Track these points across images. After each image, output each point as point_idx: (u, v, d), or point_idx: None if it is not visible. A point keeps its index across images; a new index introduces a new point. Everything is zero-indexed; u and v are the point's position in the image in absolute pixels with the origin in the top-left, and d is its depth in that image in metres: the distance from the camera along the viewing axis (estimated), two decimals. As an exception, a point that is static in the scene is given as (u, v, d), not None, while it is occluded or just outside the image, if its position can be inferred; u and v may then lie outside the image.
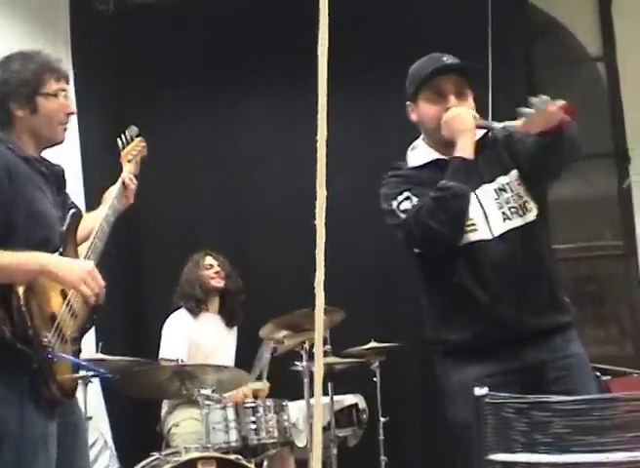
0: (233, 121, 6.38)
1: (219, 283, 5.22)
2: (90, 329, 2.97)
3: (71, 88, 5.53)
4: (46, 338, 2.64)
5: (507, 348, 2.78)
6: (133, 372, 4.28)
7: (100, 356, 4.31)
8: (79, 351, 2.91)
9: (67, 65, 5.70)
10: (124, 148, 3.49)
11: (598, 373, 5.68)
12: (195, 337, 5.01)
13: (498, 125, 2.88)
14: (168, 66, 6.34)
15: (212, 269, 5.25)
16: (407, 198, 2.82)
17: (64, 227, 2.86)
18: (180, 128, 6.35)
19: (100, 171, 5.48)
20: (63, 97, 2.89)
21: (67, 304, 2.79)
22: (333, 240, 5.89)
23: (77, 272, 2.70)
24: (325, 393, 4.79)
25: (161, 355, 4.91)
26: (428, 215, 2.74)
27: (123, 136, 3.50)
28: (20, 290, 2.62)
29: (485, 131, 2.97)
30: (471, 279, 2.80)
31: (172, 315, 5.12)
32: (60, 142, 2.95)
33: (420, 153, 3.01)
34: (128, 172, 3.40)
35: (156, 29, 6.39)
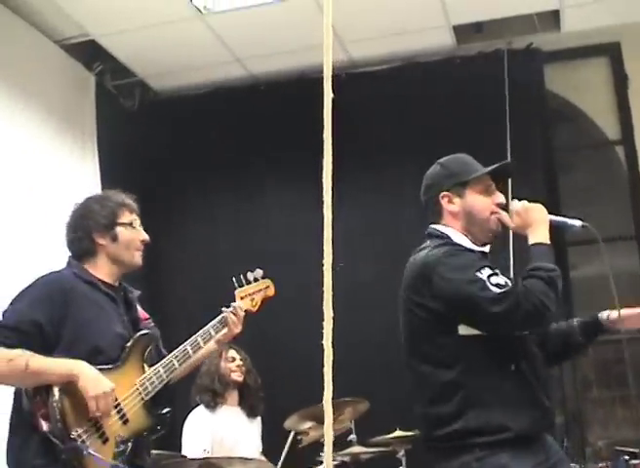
0: (258, 216, 6.50)
1: (239, 377, 5.22)
2: (149, 437, 3.24)
3: (98, 183, 5.74)
4: (75, 432, 2.91)
5: (544, 439, 2.84)
6: (160, 466, 4.27)
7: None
8: (123, 453, 3.07)
9: (94, 160, 5.87)
10: (241, 287, 3.76)
11: (627, 457, 5.63)
12: (217, 432, 5.00)
13: (570, 222, 3.19)
14: (192, 159, 6.48)
15: (234, 362, 5.26)
16: (495, 274, 2.82)
17: (129, 343, 3.19)
18: (204, 223, 6.47)
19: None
20: (137, 227, 3.37)
21: (116, 407, 3.06)
22: (356, 330, 5.97)
23: (97, 389, 2.97)
24: (352, 483, 4.77)
25: (183, 453, 4.90)
26: (542, 293, 2.78)
27: (243, 275, 3.76)
28: (56, 388, 2.94)
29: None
30: (527, 366, 2.85)
31: (191, 413, 5.13)
32: (138, 267, 3.37)
33: (463, 239, 3.04)
34: (236, 305, 3.65)
35: (180, 123, 6.55)
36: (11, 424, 3.10)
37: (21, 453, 2.99)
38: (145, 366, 3.25)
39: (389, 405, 5.56)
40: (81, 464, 2.90)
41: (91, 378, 2.97)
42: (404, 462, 4.99)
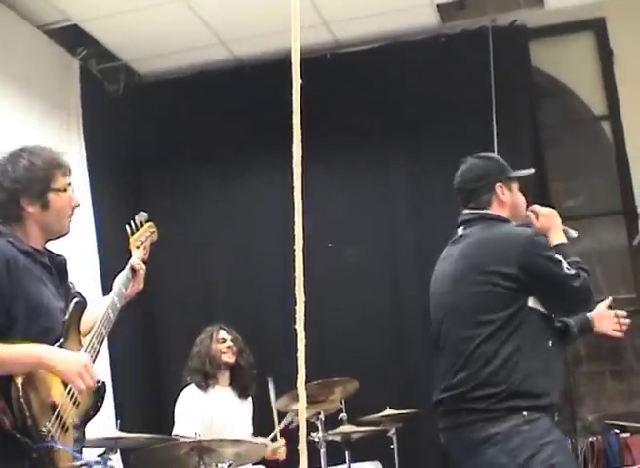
0: (246, 198, 6.49)
1: (230, 358, 5.22)
2: (94, 415, 2.96)
3: (84, 168, 5.73)
4: (45, 428, 2.65)
5: None
6: (151, 449, 4.29)
7: (120, 434, 4.34)
8: (82, 437, 2.90)
9: (80, 145, 5.86)
10: (133, 234, 3.50)
11: (617, 431, 5.67)
12: (207, 412, 5.01)
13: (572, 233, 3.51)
14: (178, 143, 6.48)
15: (224, 344, 5.25)
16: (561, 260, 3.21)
17: (67, 317, 2.88)
18: (192, 204, 6.47)
19: (116, 252, 5.55)
20: (70, 192, 2.99)
21: (69, 392, 2.80)
22: (345, 310, 6.02)
23: (73, 365, 2.72)
24: (343, 461, 4.80)
25: (174, 432, 4.92)
26: (589, 281, 3.22)
27: (132, 222, 3.51)
28: (19, 380, 2.64)
29: None
30: (556, 345, 3.24)
31: (182, 392, 5.14)
32: (66, 234, 3.02)
33: None
34: (137, 257, 3.41)
35: (166, 107, 6.54)
36: None
37: None
38: (81, 337, 2.97)
39: (379, 384, 5.61)
40: (52, 461, 2.68)
41: (64, 358, 2.72)
42: (395, 440, 5.03)
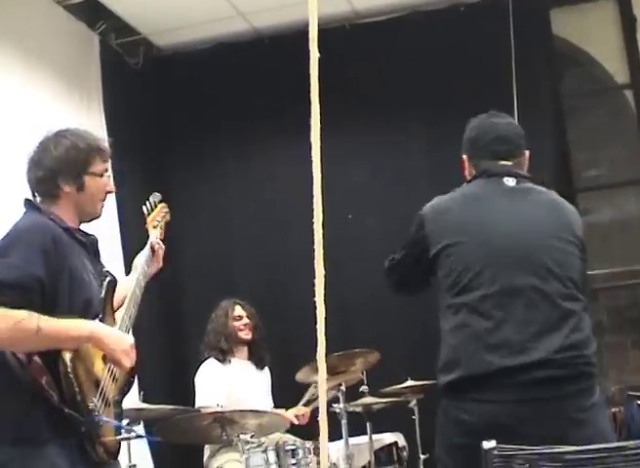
0: (265, 170, 6.49)
1: (247, 335, 5.25)
2: (129, 391, 3.06)
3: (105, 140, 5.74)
4: (92, 403, 2.72)
5: None
6: (174, 420, 4.33)
7: (143, 405, 4.38)
8: (121, 413, 3.00)
9: (101, 119, 5.87)
10: (149, 214, 3.56)
11: (639, 402, 5.65)
12: (227, 384, 5.06)
13: None
14: (197, 115, 6.48)
15: (241, 321, 5.27)
16: None
17: (102, 295, 2.96)
18: (212, 177, 6.47)
19: (136, 226, 5.58)
20: (106, 177, 3.06)
21: (109, 369, 2.89)
22: (366, 281, 6.00)
23: (123, 344, 2.83)
24: (364, 432, 4.82)
25: (197, 405, 4.96)
26: None
27: (147, 202, 3.57)
28: (67, 356, 2.71)
29: None
30: None
31: (202, 365, 5.18)
32: (98, 217, 3.10)
33: None
34: (155, 237, 3.48)
35: (185, 80, 6.55)
36: None
37: (23, 425, 2.71)
38: (115, 314, 3.06)
39: (400, 355, 5.61)
40: (98, 435, 2.77)
41: (113, 336, 2.82)
42: (416, 411, 5.04)
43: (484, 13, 6.06)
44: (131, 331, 3.04)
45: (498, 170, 3.09)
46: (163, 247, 3.47)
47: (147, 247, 3.41)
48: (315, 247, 1.50)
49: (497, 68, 5.97)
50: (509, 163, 3.12)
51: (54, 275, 2.75)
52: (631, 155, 6.54)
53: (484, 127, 3.22)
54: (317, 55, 1.51)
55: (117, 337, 2.83)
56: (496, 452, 2.06)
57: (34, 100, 5.29)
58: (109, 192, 3.08)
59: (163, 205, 3.65)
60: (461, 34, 6.09)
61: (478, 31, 6.04)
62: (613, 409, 5.86)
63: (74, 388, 2.68)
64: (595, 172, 6.85)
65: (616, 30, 6.54)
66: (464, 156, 3.22)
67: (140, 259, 3.36)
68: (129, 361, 2.83)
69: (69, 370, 2.68)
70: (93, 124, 5.77)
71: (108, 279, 3.02)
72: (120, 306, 3.13)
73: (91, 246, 3.05)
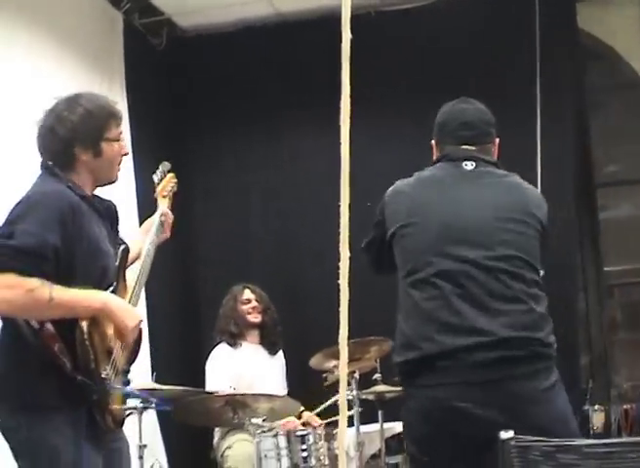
0: (290, 154, 6.47)
1: (255, 318, 5.27)
2: (134, 361, 3.08)
3: (126, 122, 5.74)
4: (105, 371, 2.76)
5: None
6: (186, 401, 4.34)
7: (155, 385, 4.39)
8: (128, 382, 3.05)
9: (123, 99, 5.86)
10: (159, 184, 3.56)
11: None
12: (239, 368, 5.08)
13: None
14: (220, 98, 6.47)
15: (249, 304, 5.30)
16: None
17: (117, 263, 2.96)
18: (235, 159, 6.47)
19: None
20: (122, 140, 3.04)
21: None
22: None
23: (133, 318, 2.86)
24: (375, 420, 4.82)
25: (207, 388, 4.98)
26: None
27: (157, 171, 3.57)
28: (84, 324, 2.72)
29: None
30: None
31: (214, 349, 5.21)
32: (114, 182, 3.08)
33: None
34: (165, 207, 3.49)
35: (207, 62, 6.54)
36: (6, 357, 2.81)
37: (32, 392, 2.72)
38: (126, 283, 3.06)
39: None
40: (108, 403, 2.80)
41: (125, 309, 2.83)
42: (428, 401, 5.03)
43: (510, 4, 6.02)
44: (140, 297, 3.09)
45: (458, 154, 3.13)
46: (171, 217, 3.47)
47: (157, 216, 3.42)
48: (341, 229, 1.50)
49: (521, 59, 5.95)
50: (473, 148, 3.15)
51: (70, 243, 2.74)
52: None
53: (452, 112, 3.25)
54: (349, 36, 1.49)
55: (128, 312, 2.84)
56: (513, 443, 2.06)
57: (56, 77, 5.28)
58: (124, 154, 3.06)
59: (171, 175, 3.64)
60: (487, 24, 6.06)
61: (503, 22, 6.01)
62: (624, 406, 5.86)
63: (89, 356, 2.70)
64: (614, 167, 6.82)
65: (641, 27, 6.50)
66: (433, 141, 3.27)
67: (151, 229, 3.36)
68: (132, 336, 2.88)
69: (86, 337, 2.70)
70: (114, 100, 5.77)
71: (122, 247, 3.02)
72: (134, 274, 3.14)
73: (107, 213, 3.04)
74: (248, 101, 6.46)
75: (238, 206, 6.44)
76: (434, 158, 3.23)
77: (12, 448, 2.78)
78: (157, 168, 3.60)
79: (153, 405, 4.04)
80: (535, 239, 2.99)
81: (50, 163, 2.92)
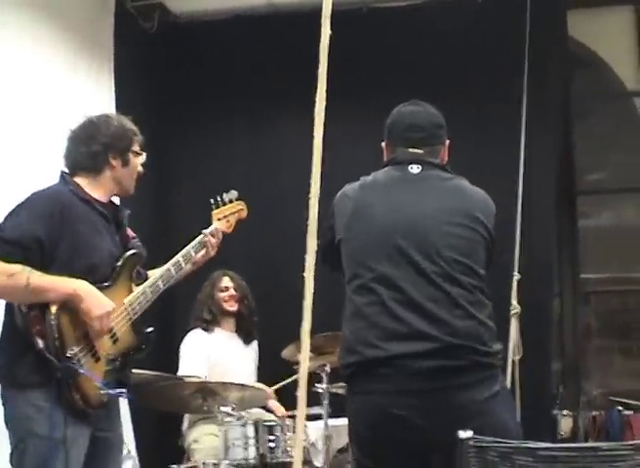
0: (274, 145, 6.47)
1: (231, 307, 5.28)
2: (135, 356, 3.33)
3: (112, 104, 5.73)
4: (71, 351, 2.96)
5: None
6: (157, 387, 4.35)
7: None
8: (118, 371, 3.22)
9: (110, 81, 5.85)
10: (217, 208, 3.87)
11: (620, 408, 5.69)
12: (212, 354, 5.09)
13: None
14: (208, 86, 6.47)
15: (227, 292, 5.30)
16: None
17: (118, 263, 3.23)
18: (219, 149, 6.47)
19: (140, 194, 5.55)
20: (141, 158, 3.45)
21: (110, 329, 3.14)
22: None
23: (100, 307, 3.05)
24: (344, 414, 4.83)
25: (180, 373, 4.98)
26: None
27: (219, 197, 3.89)
28: (54, 307, 2.97)
29: None
30: None
31: (188, 334, 5.22)
32: (130, 194, 3.48)
33: None
34: (215, 227, 3.78)
35: (198, 48, 6.53)
36: (3, 339, 3.13)
37: (14, 370, 3.03)
38: (133, 285, 3.31)
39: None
40: (75, 382, 2.97)
41: (94, 297, 3.03)
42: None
43: (501, 7, 6.04)
44: (150, 303, 3.34)
45: (405, 157, 3.13)
46: (219, 237, 3.77)
47: (202, 234, 3.71)
48: (309, 222, 1.52)
49: (509, 63, 5.96)
50: (420, 151, 3.13)
51: (54, 237, 3.04)
52: (634, 162, 6.54)
53: (401, 114, 3.25)
54: (329, 32, 1.51)
55: (97, 299, 3.04)
56: (471, 443, 2.08)
57: (45, 59, 5.25)
58: (140, 174, 3.44)
59: (239, 202, 4.00)
60: (477, 26, 6.07)
61: (494, 25, 6.01)
62: (593, 413, 5.91)
63: (54, 334, 2.93)
64: (597, 176, 6.86)
65: (630, 37, 6.52)
66: (383, 143, 3.27)
67: (191, 244, 3.66)
68: (99, 325, 3.03)
69: (52, 317, 2.95)
70: (101, 83, 5.77)
71: (132, 251, 3.32)
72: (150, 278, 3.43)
73: (114, 217, 3.34)
74: (236, 90, 6.45)
75: (220, 192, 6.43)
76: (384, 160, 3.24)
77: (5, 424, 3.10)
78: (219, 195, 3.93)
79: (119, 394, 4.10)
80: (478, 244, 2.97)
81: (65, 170, 3.31)
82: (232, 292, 5.31)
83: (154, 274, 3.46)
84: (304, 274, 1.52)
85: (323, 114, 1.47)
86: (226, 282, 5.34)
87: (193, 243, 3.66)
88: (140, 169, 3.43)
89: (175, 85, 6.56)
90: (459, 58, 6.04)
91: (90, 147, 3.30)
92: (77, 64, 5.57)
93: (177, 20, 6.67)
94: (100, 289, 3.11)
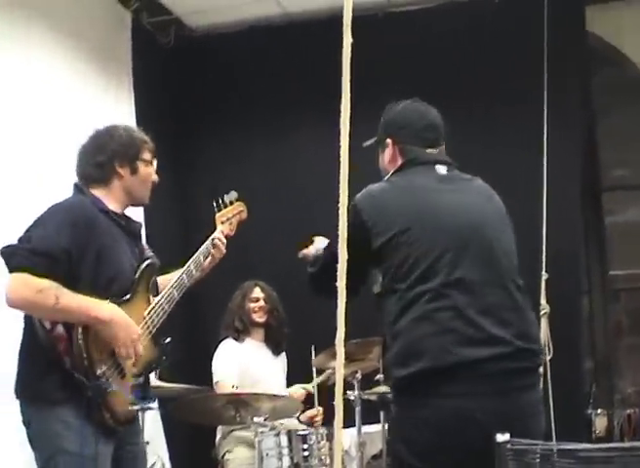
0: (293, 154, 6.47)
1: (260, 318, 5.27)
2: (157, 368, 3.37)
3: (132, 121, 5.75)
4: (100, 370, 2.94)
5: None
6: (189, 399, 4.35)
7: (158, 383, 4.39)
8: (142, 386, 3.17)
9: (130, 98, 5.88)
10: (220, 210, 3.81)
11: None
12: (243, 364, 5.09)
13: None
14: (227, 98, 6.48)
15: (257, 303, 5.29)
16: None
17: (136, 275, 3.18)
18: (239, 159, 6.47)
19: (160, 207, 5.51)
20: (153, 167, 3.40)
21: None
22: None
23: (128, 335, 3.02)
24: (377, 421, 4.82)
25: (216, 379, 5.00)
26: None
27: (220, 199, 3.82)
28: (80, 326, 2.93)
29: None
30: None
31: (220, 344, 5.22)
32: (145, 204, 3.45)
33: None
34: (220, 231, 3.74)
35: (215, 61, 6.56)
36: (24, 353, 3.08)
37: (39, 386, 2.98)
38: (150, 296, 3.27)
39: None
40: (105, 401, 2.95)
41: (123, 325, 2.99)
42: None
43: (518, 5, 6.01)
44: (167, 314, 3.30)
45: (428, 157, 3.07)
46: (224, 242, 3.73)
47: (209, 240, 3.67)
48: (339, 231, 1.50)
49: (528, 62, 5.92)
50: (435, 151, 3.10)
51: (81, 249, 3.00)
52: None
53: (416, 113, 3.18)
54: (350, 40, 1.50)
55: (125, 328, 3.00)
56: (509, 446, 2.05)
57: (64, 76, 5.30)
58: (155, 182, 3.39)
59: (239, 204, 3.93)
60: (494, 26, 6.05)
61: (511, 24, 5.99)
62: (628, 411, 5.85)
63: (82, 354, 2.90)
64: (621, 172, 6.80)
65: (651, 30, 6.48)
66: (389, 140, 3.15)
67: (199, 251, 3.62)
68: (126, 352, 3.00)
69: (80, 336, 2.91)
70: (121, 100, 5.80)
71: (148, 262, 3.27)
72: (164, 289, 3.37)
73: (131, 229, 3.32)
74: (254, 101, 6.47)
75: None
76: (390, 157, 3.14)
77: (29, 440, 3.06)
78: (220, 197, 3.87)
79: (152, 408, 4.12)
80: (515, 245, 2.98)
81: (79, 182, 3.26)
82: (262, 303, 5.31)
83: (167, 282, 3.41)
84: (336, 283, 1.50)
85: (348, 122, 1.46)
86: (257, 292, 5.34)
87: (202, 249, 3.62)
88: (154, 177, 3.38)
89: (193, 98, 6.59)
90: (478, 59, 6.02)
91: (96, 158, 3.26)
92: (97, 81, 5.61)
93: (192, 34, 6.69)
94: (121, 303, 3.07)
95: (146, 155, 3.35)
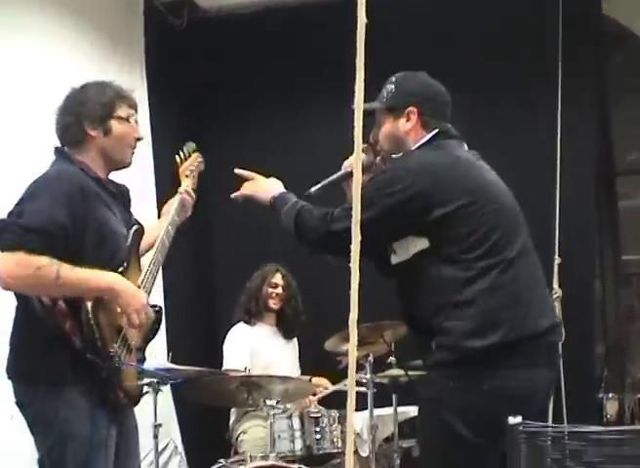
0: (307, 136, 6.47)
1: (275, 304, 5.26)
2: (153, 338, 3.15)
3: (145, 103, 5.74)
4: (113, 349, 2.80)
5: None
6: (202, 382, 4.36)
7: (170, 365, 4.41)
8: (143, 360, 3.10)
9: (142, 80, 5.86)
10: (182, 163, 3.58)
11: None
12: (255, 347, 5.10)
13: None
14: (240, 80, 6.47)
15: (275, 289, 5.28)
16: None
17: (128, 243, 2.99)
18: (252, 141, 6.46)
19: (173, 185, 5.56)
20: (134, 122, 3.08)
21: None
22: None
23: (137, 302, 2.85)
24: (389, 404, 4.83)
25: (225, 366, 5.00)
26: None
27: (181, 151, 3.59)
28: (89, 304, 2.76)
29: None
30: None
31: (233, 328, 5.23)
32: (128, 166, 3.12)
33: None
34: (186, 186, 3.51)
35: (228, 43, 6.52)
36: (20, 331, 2.88)
37: (40, 366, 2.79)
38: (140, 263, 3.11)
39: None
40: (119, 378, 2.84)
41: (131, 293, 2.83)
42: (442, 386, 5.04)
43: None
44: (155, 279, 3.10)
45: (455, 133, 3.05)
46: (194, 196, 3.51)
47: (178, 196, 3.45)
48: (353, 211, 1.50)
49: (543, 46, 5.89)
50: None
51: (80, 223, 2.81)
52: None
53: (439, 87, 3.14)
54: (364, 20, 1.49)
55: (133, 295, 2.85)
56: (521, 428, 2.06)
57: (76, 59, 5.29)
58: (138, 139, 3.10)
59: (197, 154, 3.66)
60: (508, 9, 5.99)
61: (527, 6, 5.95)
62: (639, 395, 5.85)
63: (95, 335, 2.74)
64: (636, 156, 6.77)
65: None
66: (413, 108, 3.03)
67: (170, 208, 3.39)
68: (137, 319, 2.85)
69: (90, 316, 2.74)
70: (134, 81, 5.77)
71: (135, 228, 3.05)
72: (148, 249, 3.19)
73: (121, 196, 3.10)
74: (267, 83, 6.45)
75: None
76: (409, 125, 3.03)
77: (28, 424, 2.87)
78: (180, 149, 3.62)
79: (168, 380, 4.10)
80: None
81: (63, 147, 3.00)
82: (280, 290, 5.29)
83: (149, 247, 3.21)
84: (350, 264, 1.49)
85: (362, 104, 1.45)
86: (278, 278, 5.32)
87: (175, 206, 3.39)
88: (135, 134, 3.07)
89: (206, 79, 6.56)
90: (491, 43, 5.98)
91: (65, 119, 3.00)
92: (108, 64, 5.59)
93: (206, 15, 6.66)
94: (121, 273, 2.89)
95: (122, 111, 3.03)
